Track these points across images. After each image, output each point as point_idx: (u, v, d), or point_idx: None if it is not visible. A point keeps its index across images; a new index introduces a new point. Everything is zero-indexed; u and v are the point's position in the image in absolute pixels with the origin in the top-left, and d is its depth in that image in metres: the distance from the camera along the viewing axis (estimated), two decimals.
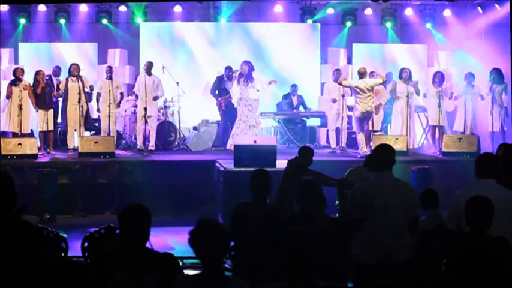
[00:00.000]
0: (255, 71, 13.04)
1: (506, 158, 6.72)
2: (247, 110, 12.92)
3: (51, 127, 12.66)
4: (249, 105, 12.92)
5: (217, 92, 14.10)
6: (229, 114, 13.61)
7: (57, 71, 13.41)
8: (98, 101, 13.23)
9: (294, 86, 14.88)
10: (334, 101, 13.31)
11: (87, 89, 12.79)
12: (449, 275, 4.41)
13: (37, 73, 12.62)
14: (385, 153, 5.45)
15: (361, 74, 12.48)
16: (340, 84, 12.73)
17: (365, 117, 12.35)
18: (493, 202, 4.45)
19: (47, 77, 12.88)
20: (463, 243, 4.40)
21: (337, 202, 8.10)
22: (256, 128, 13.04)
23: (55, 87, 12.87)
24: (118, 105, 13.29)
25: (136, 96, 13.26)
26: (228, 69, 13.88)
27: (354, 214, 5.29)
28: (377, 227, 5.19)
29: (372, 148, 12.22)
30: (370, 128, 12.80)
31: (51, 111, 12.71)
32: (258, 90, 13.01)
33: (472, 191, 5.00)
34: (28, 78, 12.78)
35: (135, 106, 13.35)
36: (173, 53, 15.34)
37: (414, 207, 5.34)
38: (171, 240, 8.64)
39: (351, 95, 13.09)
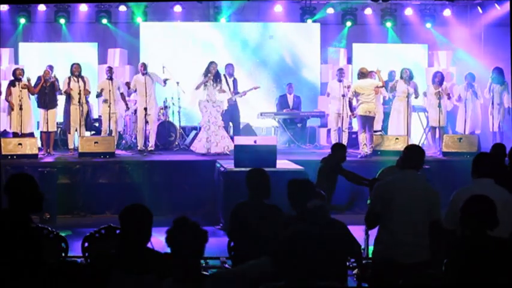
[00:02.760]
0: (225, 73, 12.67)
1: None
2: (216, 111, 12.51)
3: (52, 128, 12.64)
4: (217, 106, 12.53)
5: None
6: (229, 113, 13.50)
7: (50, 69, 13.32)
8: (98, 98, 13.21)
9: (290, 85, 14.83)
10: (328, 94, 13.42)
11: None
12: (449, 275, 4.39)
13: (44, 72, 12.65)
14: (412, 152, 5.54)
15: (363, 74, 12.48)
16: (350, 101, 12.69)
17: (367, 117, 12.35)
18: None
19: (52, 77, 12.87)
20: (464, 244, 4.39)
21: (368, 201, 8.19)
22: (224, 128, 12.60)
23: (62, 86, 12.83)
24: (127, 107, 13.36)
25: (127, 85, 13.18)
26: (229, 66, 13.73)
27: (376, 209, 5.37)
28: (396, 225, 5.24)
29: (374, 149, 12.31)
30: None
31: (53, 112, 12.69)
32: (224, 92, 12.76)
33: (469, 190, 4.99)
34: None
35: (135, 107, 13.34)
36: (173, 52, 15.33)
37: (435, 210, 5.34)
38: None
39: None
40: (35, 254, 3.94)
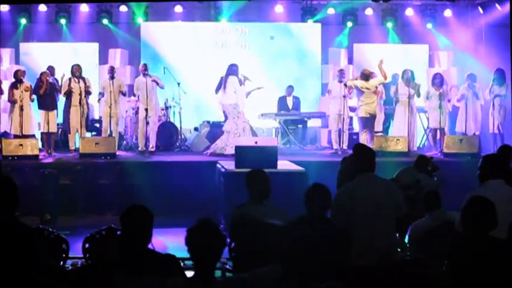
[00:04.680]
0: (232, 75, 12.54)
1: None
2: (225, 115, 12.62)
3: (53, 129, 12.65)
4: (223, 110, 12.61)
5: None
6: None
7: (51, 70, 13.34)
8: (99, 100, 13.22)
9: (290, 87, 14.79)
10: (329, 92, 13.38)
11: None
12: (450, 275, 4.39)
13: (42, 74, 12.65)
14: (366, 154, 5.40)
15: (365, 76, 12.45)
16: (345, 85, 12.73)
17: (368, 118, 12.33)
18: (503, 202, 4.41)
19: (51, 78, 12.88)
20: (464, 245, 4.39)
21: None
22: (231, 133, 12.45)
23: (60, 87, 12.83)
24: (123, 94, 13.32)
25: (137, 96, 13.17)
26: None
27: (337, 220, 5.19)
28: (362, 232, 5.13)
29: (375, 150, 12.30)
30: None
31: (53, 113, 12.71)
32: (235, 92, 12.51)
33: (481, 192, 4.95)
34: (28, 79, 12.79)
35: (137, 108, 13.31)
36: (174, 53, 15.33)
37: (399, 207, 5.28)
38: (171, 242, 8.62)
39: (352, 98, 13.10)
40: (25, 251, 3.92)
